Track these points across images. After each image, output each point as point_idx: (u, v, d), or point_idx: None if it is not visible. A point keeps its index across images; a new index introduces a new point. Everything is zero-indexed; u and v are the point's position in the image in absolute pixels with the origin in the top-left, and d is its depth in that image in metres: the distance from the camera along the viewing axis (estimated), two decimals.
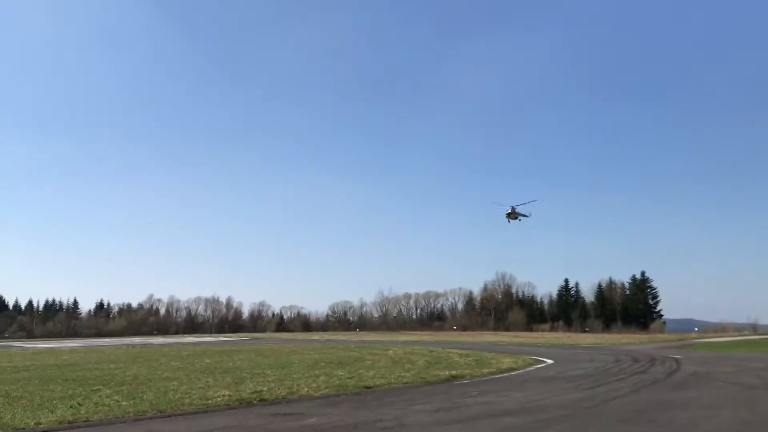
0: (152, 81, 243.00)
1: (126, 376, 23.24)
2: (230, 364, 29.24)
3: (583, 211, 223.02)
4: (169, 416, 13.31)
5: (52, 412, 13.56)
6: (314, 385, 18.55)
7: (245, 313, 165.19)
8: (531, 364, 29.16)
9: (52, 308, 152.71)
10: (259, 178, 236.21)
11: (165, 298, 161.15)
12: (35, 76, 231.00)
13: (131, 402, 15.03)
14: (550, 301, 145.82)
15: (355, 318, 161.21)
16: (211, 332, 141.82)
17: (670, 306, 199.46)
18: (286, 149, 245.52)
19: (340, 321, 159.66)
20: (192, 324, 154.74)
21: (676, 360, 31.51)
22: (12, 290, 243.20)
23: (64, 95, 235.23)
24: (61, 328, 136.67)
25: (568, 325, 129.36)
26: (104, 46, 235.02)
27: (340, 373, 22.67)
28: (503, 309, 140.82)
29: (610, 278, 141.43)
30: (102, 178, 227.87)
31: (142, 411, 13.74)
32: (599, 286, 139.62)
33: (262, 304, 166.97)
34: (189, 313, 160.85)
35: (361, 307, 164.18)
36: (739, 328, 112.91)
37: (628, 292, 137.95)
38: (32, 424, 12.31)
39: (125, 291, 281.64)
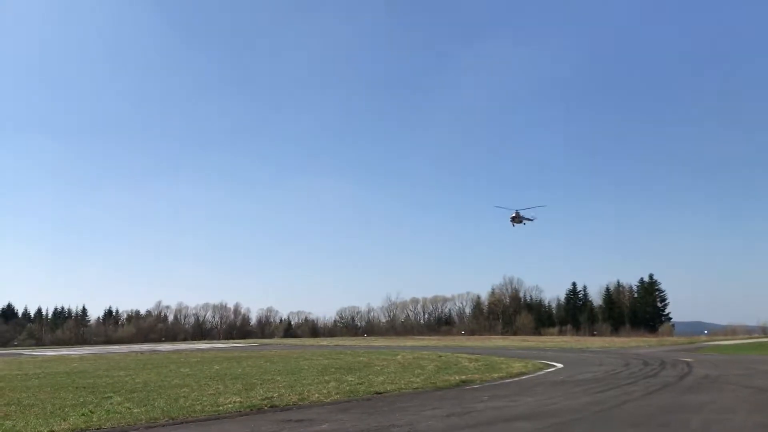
0: (160, 86, 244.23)
1: (136, 383, 23.32)
2: (239, 370, 29.28)
3: (590, 214, 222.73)
4: (181, 423, 13.35)
5: (64, 420, 13.63)
6: (324, 390, 18.55)
7: (253, 319, 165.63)
8: (541, 369, 29.04)
9: (61, 316, 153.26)
10: (265, 184, 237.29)
11: (173, 305, 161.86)
12: (40, 81, 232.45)
13: (143, 409, 15.07)
14: (558, 305, 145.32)
15: (363, 323, 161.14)
16: (219, 338, 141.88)
17: (678, 309, 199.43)
18: (294, 155, 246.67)
19: (348, 326, 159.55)
20: (200, 330, 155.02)
21: (687, 363, 31.33)
22: (21, 298, 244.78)
23: (75, 101, 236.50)
24: (70, 336, 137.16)
25: (576, 328, 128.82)
26: (108, 52, 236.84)
27: (350, 379, 22.66)
28: (511, 313, 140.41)
29: (618, 281, 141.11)
30: (110, 184, 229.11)
31: (154, 418, 13.78)
32: (607, 289, 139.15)
33: (269, 309, 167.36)
34: (197, 319, 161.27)
35: (369, 312, 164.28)
36: (749, 331, 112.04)
37: (636, 295, 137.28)
38: (45, 431, 12.38)
39: (133, 298, 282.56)
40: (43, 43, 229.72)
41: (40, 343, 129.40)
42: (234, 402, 15.98)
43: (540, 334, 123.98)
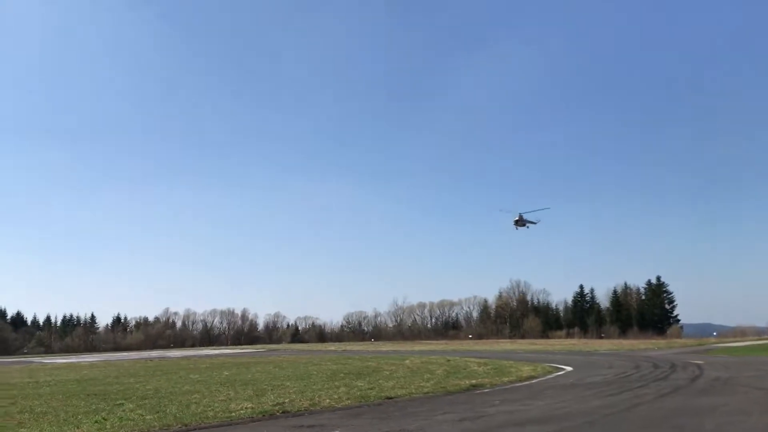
0: (164, 91, 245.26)
1: (147, 389, 23.41)
2: (249, 376, 29.34)
3: (596, 216, 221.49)
4: (194, 429, 13.42)
5: (77, 427, 13.72)
6: (335, 396, 18.58)
7: (260, 324, 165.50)
8: (550, 372, 28.98)
9: (69, 323, 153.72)
10: (271, 188, 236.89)
11: (181, 311, 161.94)
12: (44, 86, 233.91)
13: (155, 416, 15.14)
14: (566, 308, 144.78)
15: (370, 328, 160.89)
16: (227, 344, 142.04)
17: (687, 310, 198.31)
18: (299, 159, 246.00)
19: (355, 331, 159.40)
20: (208, 336, 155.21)
21: (698, 365, 31.18)
22: (30, 306, 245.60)
23: (78, 105, 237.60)
24: (79, 343, 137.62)
25: (584, 331, 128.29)
26: (106, 54, 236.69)
27: (360, 384, 22.68)
28: (518, 316, 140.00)
29: (626, 283, 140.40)
30: (115, 190, 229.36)
31: (167, 425, 13.84)
32: (614, 291, 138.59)
33: (277, 315, 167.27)
34: (205, 325, 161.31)
35: (376, 317, 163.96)
36: (758, 332, 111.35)
37: (643, 297, 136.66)
38: None
39: (141, 305, 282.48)
40: (43, 44, 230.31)
41: (49, 350, 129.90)
42: (246, 408, 16.02)
43: (548, 337, 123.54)
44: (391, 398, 18.36)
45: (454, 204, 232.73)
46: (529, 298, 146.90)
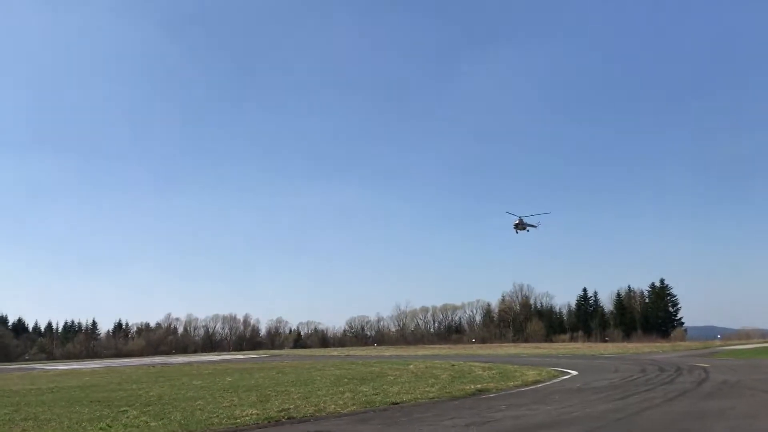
0: (164, 98, 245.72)
1: (150, 396, 23.31)
2: (252, 381, 29.22)
3: (599, 219, 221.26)
4: None
5: None
6: (341, 401, 18.45)
7: (262, 329, 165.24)
8: (555, 376, 28.83)
9: (71, 330, 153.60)
10: (273, 194, 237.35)
11: (183, 317, 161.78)
12: (41, 94, 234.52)
13: (160, 423, 15.04)
14: (569, 311, 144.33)
15: (373, 333, 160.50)
16: (229, 350, 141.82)
17: (690, 313, 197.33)
18: (300, 163, 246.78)
19: (358, 336, 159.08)
20: (210, 342, 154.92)
21: (704, 369, 31.01)
22: (32, 313, 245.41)
23: (76, 114, 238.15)
24: (80, 350, 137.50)
25: (588, 334, 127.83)
26: (113, 65, 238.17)
27: (365, 389, 22.54)
28: (522, 320, 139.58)
29: (629, 286, 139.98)
30: (117, 198, 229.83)
31: (172, 431, 13.73)
32: (618, 294, 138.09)
33: (279, 320, 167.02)
34: (207, 331, 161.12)
35: (379, 321, 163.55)
36: (763, 334, 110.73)
37: (647, 300, 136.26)
38: None
39: (143, 311, 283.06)
40: (53, 58, 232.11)
41: (50, 357, 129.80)
42: (251, 414, 15.90)
43: (551, 341, 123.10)
44: (396, 403, 18.23)
45: (457, 208, 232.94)
46: (532, 301, 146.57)
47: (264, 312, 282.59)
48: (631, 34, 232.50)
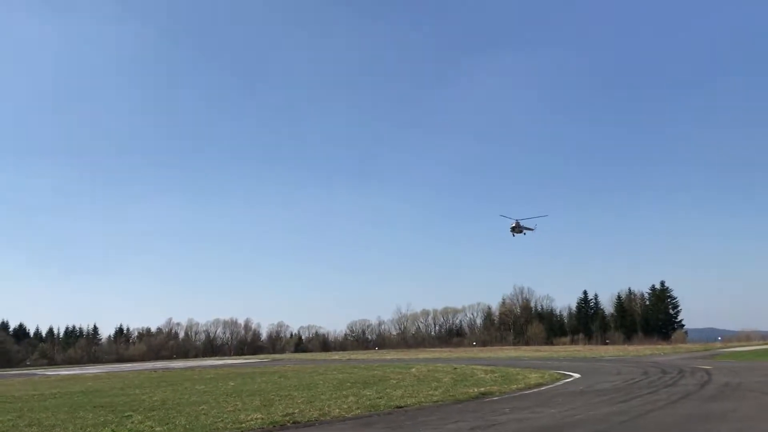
0: (163, 105, 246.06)
1: (153, 401, 23.33)
2: (255, 386, 29.21)
3: (600, 221, 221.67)
4: None
5: None
6: (345, 406, 18.47)
7: (263, 334, 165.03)
8: (558, 379, 28.83)
9: (72, 335, 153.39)
10: (273, 198, 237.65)
11: (184, 322, 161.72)
12: (43, 101, 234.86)
13: (165, 428, 15.07)
14: (570, 314, 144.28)
15: (374, 336, 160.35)
16: (230, 354, 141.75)
17: (691, 315, 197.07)
18: (299, 168, 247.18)
19: (359, 340, 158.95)
20: (211, 347, 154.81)
21: (706, 371, 31.03)
22: (32, 318, 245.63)
23: (80, 119, 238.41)
24: (82, 355, 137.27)
25: (588, 337, 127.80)
26: (117, 69, 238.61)
27: (368, 393, 22.57)
28: (522, 323, 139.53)
29: (630, 289, 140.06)
30: (117, 202, 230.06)
31: None
32: (618, 297, 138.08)
33: (280, 324, 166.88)
34: (208, 335, 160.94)
35: (380, 325, 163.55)
36: (763, 336, 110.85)
37: (648, 303, 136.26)
38: None
39: (144, 315, 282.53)
40: (58, 65, 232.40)
41: (52, 362, 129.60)
42: (255, 419, 15.93)
43: (552, 343, 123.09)
44: (400, 407, 18.25)
45: (457, 210, 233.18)
46: (532, 304, 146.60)
47: (265, 316, 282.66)
48: (629, 34, 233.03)
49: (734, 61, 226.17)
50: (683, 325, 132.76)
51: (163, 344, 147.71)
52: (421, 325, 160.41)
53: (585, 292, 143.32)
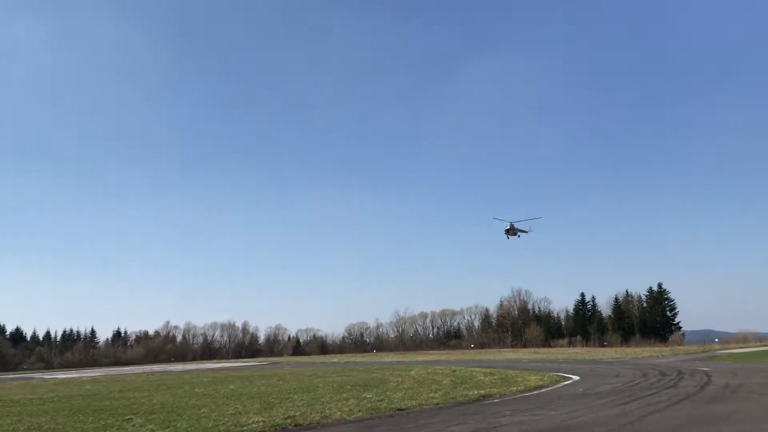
0: (160, 105, 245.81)
1: (153, 404, 23.25)
2: (254, 389, 29.15)
3: (597, 224, 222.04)
4: None
5: None
6: (346, 408, 18.44)
7: (261, 337, 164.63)
8: (557, 381, 28.82)
9: (69, 338, 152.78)
10: (271, 201, 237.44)
11: (181, 325, 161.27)
12: (36, 103, 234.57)
13: (166, 431, 15.04)
14: (567, 316, 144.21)
15: (372, 339, 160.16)
16: (228, 358, 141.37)
17: (688, 317, 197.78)
18: (298, 171, 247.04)
19: (357, 342, 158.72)
20: (209, 350, 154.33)
21: (705, 372, 31.06)
22: (29, 321, 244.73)
23: (75, 122, 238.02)
24: (79, 358, 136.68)
25: (586, 339, 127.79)
26: (113, 72, 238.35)
27: (369, 396, 22.54)
28: (520, 325, 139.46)
29: (627, 291, 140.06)
30: (115, 206, 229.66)
31: None
32: (616, 299, 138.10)
33: (278, 327, 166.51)
34: (205, 339, 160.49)
35: (378, 327, 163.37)
36: (760, 338, 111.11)
37: (645, 305, 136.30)
38: None
39: (142, 319, 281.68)
40: (55, 67, 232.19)
41: (49, 366, 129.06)
42: (257, 422, 15.89)
43: (550, 346, 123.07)
44: (402, 410, 18.22)
45: (455, 213, 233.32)
46: (530, 306, 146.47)
47: (263, 319, 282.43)
48: (626, 34, 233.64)
49: (734, 62, 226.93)
50: (680, 327, 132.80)
51: (160, 347, 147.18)
52: (419, 328, 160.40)
53: (582, 295, 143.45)
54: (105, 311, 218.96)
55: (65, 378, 61.95)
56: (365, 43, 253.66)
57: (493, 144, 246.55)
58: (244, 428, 15.02)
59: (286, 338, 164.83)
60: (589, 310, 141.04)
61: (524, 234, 68.35)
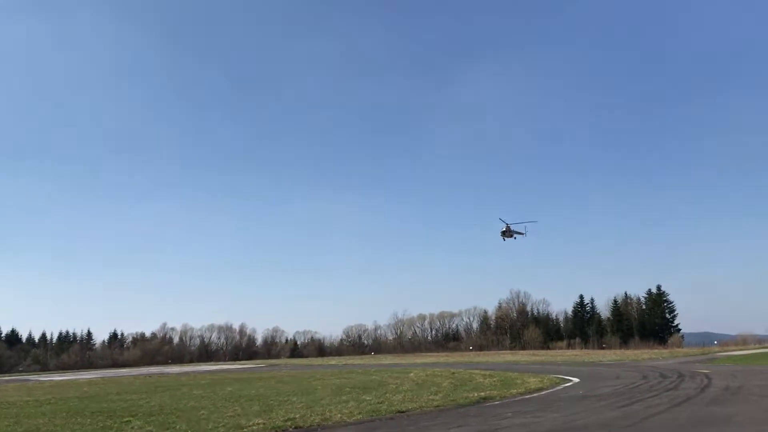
0: (158, 104, 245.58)
1: (152, 406, 23.12)
2: (253, 391, 29.04)
3: (596, 225, 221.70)
4: None
5: None
6: (346, 410, 18.33)
7: (259, 339, 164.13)
8: (557, 384, 28.74)
9: (66, 340, 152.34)
10: (269, 203, 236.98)
11: (178, 327, 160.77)
12: (36, 105, 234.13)
13: None
14: (566, 318, 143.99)
15: (370, 341, 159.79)
16: (225, 360, 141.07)
17: (687, 320, 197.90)
18: (297, 173, 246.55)
19: (355, 345, 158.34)
20: (206, 352, 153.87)
21: (706, 375, 31.00)
22: (25, 323, 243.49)
23: (73, 124, 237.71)
24: (75, 360, 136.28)
25: (585, 341, 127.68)
26: (112, 73, 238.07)
27: (368, 398, 22.43)
28: (519, 327, 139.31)
29: (626, 293, 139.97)
30: (112, 208, 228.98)
31: None
32: (615, 301, 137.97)
33: (275, 329, 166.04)
34: (203, 341, 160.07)
35: (376, 329, 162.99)
36: (759, 340, 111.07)
37: (644, 307, 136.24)
38: None
39: (138, 320, 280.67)
40: (55, 67, 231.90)
41: (45, 368, 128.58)
42: (257, 424, 15.77)
43: (548, 348, 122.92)
44: (402, 412, 18.12)
45: (453, 215, 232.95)
46: (529, 308, 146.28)
47: (260, 321, 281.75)
48: (624, 34, 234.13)
49: (733, 65, 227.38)
50: (679, 329, 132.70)
51: (157, 349, 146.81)
52: (417, 330, 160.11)
53: (581, 297, 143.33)
54: (101, 313, 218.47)
55: (62, 380, 61.72)
56: (365, 43, 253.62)
57: (493, 144, 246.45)
58: (245, 430, 14.92)
59: (283, 340, 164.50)
60: (587, 312, 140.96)
61: (520, 236, 68.39)
